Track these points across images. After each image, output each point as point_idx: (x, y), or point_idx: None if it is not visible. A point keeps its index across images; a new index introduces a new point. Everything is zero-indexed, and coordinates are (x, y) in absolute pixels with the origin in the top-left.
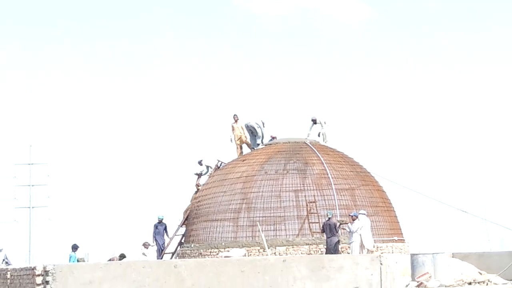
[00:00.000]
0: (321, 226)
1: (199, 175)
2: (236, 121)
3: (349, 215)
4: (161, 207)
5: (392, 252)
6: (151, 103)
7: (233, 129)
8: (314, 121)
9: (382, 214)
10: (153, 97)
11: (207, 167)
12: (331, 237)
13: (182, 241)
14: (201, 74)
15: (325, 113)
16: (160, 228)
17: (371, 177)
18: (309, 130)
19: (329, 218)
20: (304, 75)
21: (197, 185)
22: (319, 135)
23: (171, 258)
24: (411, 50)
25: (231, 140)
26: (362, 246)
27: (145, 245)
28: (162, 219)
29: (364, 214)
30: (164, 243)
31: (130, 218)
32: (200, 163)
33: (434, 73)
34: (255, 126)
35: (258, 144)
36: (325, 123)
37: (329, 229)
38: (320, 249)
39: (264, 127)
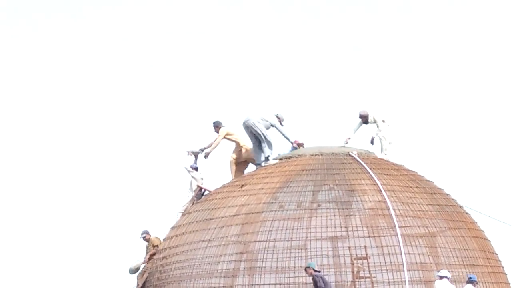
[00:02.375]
0: None
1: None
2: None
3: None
4: (102, 272)
5: None
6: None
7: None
8: (364, 119)
9: (485, 279)
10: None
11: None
12: None
13: None
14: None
15: (381, 109)
16: None
17: (465, 215)
18: (354, 133)
19: None
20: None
21: (148, 259)
22: (372, 142)
23: None
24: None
25: (206, 156)
26: None
27: None
28: None
29: (447, 277)
30: None
31: None
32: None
33: None
34: (259, 128)
35: (267, 158)
36: (383, 121)
37: None
38: None
39: (282, 125)
